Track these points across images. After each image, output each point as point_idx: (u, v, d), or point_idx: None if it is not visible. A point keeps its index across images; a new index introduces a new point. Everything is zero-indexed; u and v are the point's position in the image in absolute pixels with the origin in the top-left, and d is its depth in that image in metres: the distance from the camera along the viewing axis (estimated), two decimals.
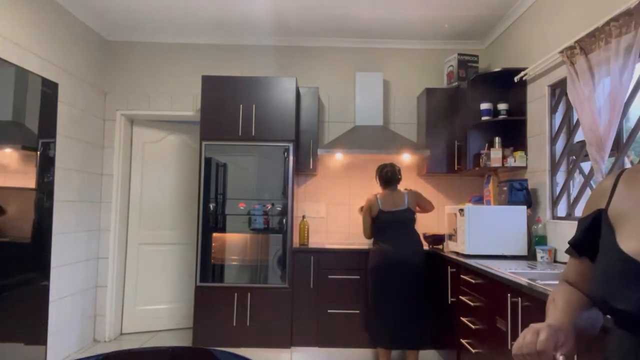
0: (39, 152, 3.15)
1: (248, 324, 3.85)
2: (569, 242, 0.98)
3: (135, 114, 4.52)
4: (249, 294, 3.87)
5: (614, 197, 0.89)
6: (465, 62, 4.23)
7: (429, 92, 4.26)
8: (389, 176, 3.60)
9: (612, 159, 2.66)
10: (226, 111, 3.99)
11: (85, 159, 4.07)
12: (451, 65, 4.31)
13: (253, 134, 3.98)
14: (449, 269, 3.38)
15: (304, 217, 4.29)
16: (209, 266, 3.93)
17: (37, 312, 3.17)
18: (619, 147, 2.62)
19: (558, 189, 3.22)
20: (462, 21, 4.13)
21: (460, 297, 3.10)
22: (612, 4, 2.56)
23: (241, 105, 3.99)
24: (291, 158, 3.99)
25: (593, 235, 0.90)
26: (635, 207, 0.83)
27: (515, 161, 3.57)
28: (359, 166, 4.55)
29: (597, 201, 0.93)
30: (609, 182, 0.93)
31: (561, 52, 2.92)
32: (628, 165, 2.62)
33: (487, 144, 3.84)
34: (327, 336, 3.88)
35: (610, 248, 0.82)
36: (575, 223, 1.00)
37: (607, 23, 2.48)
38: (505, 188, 3.51)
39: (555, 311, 0.91)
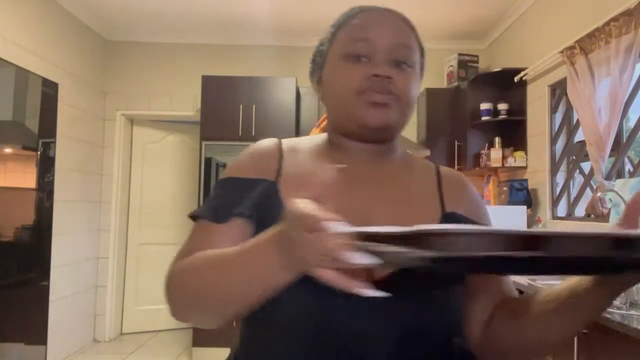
0: (39, 152, 3.15)
1: None
2: None
3: (135, 114, 4.52)
4: None
5: None
6: (465, 62, 4.23)
7: (429, 92, 4.25)
8: None
9: (612, 159, 2.66)
10: (226, 111, 3.99)
11: (85, 159, 4.07)
12: (451, 66, 4.31)
13: (253, 134, 3.98)
14: None
15: None
16: None
17: (37, 312, 3.17)
18: (619, 147, 2.62)
19: (558, 189, 3.22)
20: (462, 21, 4.12)
21: None
22: (612, 4, 2.56)
23: (241, 105, 3.99)
24: None
25: None
26: None
27: (515, 161, 3.57)
28: None
29: None
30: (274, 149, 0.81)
31: (561, 52, 2.92)
32: (629, 166, 2.62)
33: (487, 144, 3.84)
34: None
35: None
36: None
37: (607, 23, 2.48)
38: (505, 188, 3.51)
39: None
